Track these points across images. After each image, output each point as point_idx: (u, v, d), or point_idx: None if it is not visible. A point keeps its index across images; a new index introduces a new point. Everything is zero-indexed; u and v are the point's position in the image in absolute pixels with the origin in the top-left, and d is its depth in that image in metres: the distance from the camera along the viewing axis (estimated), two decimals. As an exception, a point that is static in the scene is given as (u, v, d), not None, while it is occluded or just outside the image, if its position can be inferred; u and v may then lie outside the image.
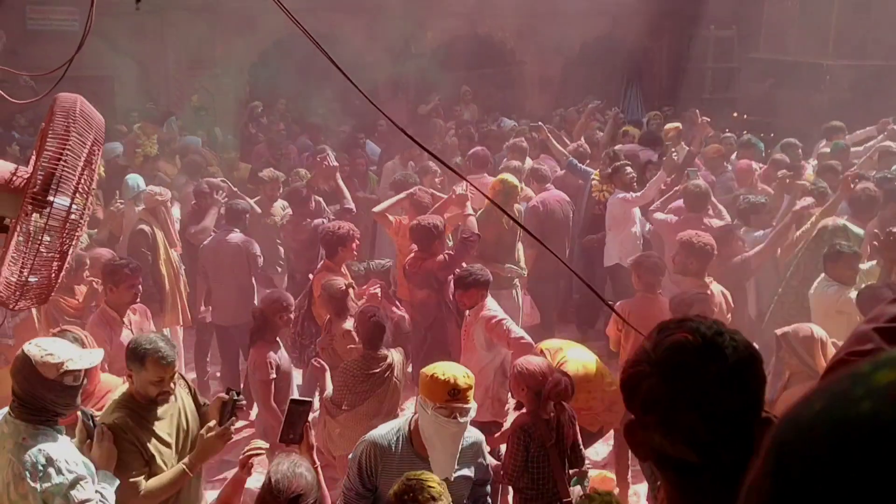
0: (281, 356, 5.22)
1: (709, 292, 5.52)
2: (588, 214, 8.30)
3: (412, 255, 6.19)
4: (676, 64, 16.95)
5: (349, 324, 5.39)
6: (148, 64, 12.76)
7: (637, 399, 1.31)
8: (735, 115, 14.02)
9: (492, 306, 5.34)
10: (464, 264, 5.82)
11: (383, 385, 4.87)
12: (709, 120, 9.77)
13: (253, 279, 7.09)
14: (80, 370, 3.11)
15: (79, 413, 3.42)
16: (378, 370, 4.85)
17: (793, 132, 10.96)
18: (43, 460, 2.97)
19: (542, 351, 4.98)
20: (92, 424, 3.43)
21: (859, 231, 6.18)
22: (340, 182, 7.78)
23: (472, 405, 3.46)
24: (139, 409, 3.50)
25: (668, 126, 10.71)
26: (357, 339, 5.11)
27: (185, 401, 3.72)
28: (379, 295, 5.89)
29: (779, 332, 4.41)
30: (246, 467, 3.32)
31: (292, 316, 5.42)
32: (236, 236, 6.99)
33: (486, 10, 14.85)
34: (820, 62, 14.06)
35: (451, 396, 3.35)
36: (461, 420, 3.40)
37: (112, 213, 7.10)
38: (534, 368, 4.20)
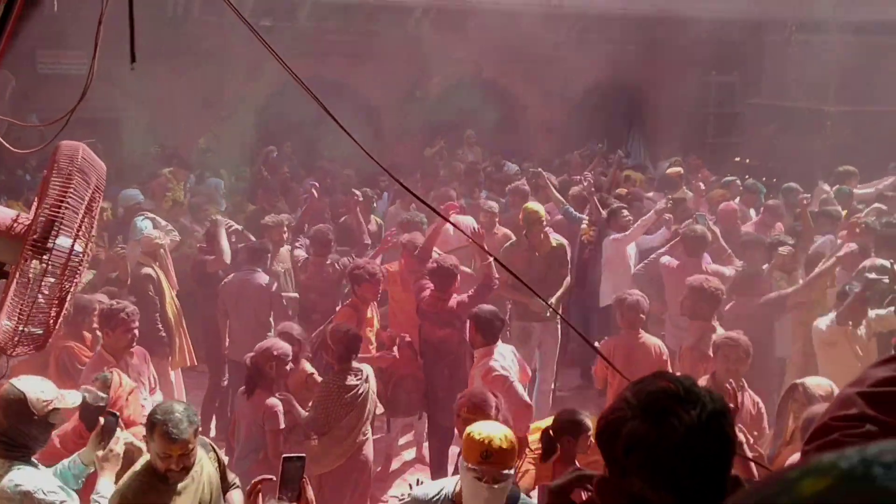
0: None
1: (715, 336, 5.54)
2: (579, 259, 8.34)
3: (429, 293, 6.20)
4: (679, 109, 17.09)
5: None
6: (156, 107, 12.94)
7: (619, 443, 1.34)
8: (737, 159, 14.10)
9: (499, 357, 5.34)
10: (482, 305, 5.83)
11: (361, 398, 4.92)
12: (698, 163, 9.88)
13: (271, 319, 7.02)
14: (64, 408, 3.17)
15: (100, 419, 3.42)
16: (356, 382, 4.93)
17: (795, 177, 11.04)
18: (19, 494, 2.99)
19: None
20: (113, 425, 3.43)
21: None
22: (360, 215, 7.98)
23: (510, 471, 3.22)
24: (157, 482, 3.31)
25: (670, 170, 10.80)
26: (330, 356, 5.17)
27: (211, 476, 3.53)
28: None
29: (797, 382, 4.33)
30: (254, 493, 3.21)
31: (288, 367, 5.20)
32: (260, 276, 7.05)
33: (491, 55, 15.06)
34: (821, 108, 14.19)
35: (483, 458, 3.15)
36: (495, 486, 3.15)
37: (112, 256, 7.09)
38: None
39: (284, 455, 3.28)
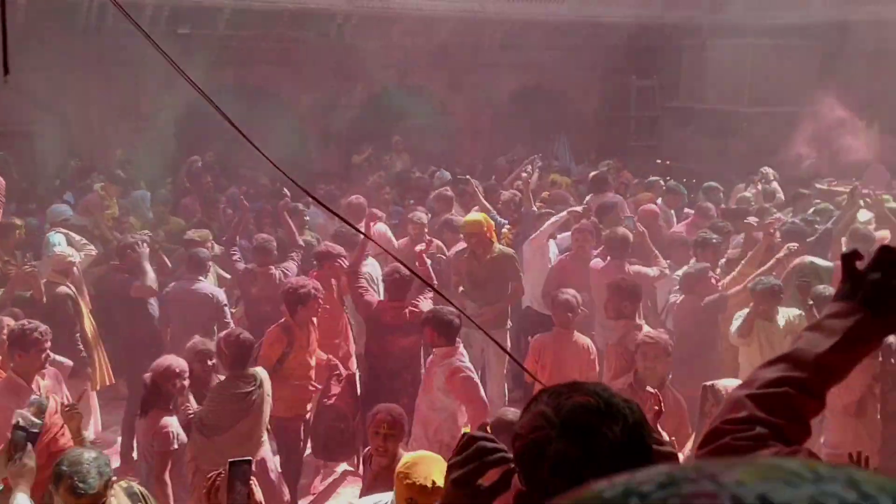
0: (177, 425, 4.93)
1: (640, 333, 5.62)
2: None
3: (385, 305, 6.14)
4: (601, 113, 17.44)
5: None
6: (71, 119, 12.50)
7: (544, 464, 1.29)
8: (658, 161, 14.42)
9: (463, 357, 5.32)
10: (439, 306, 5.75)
11: (255, 404, 4.85)
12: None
13: (216, 328, 6.74)
14: None
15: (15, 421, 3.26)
16: (249, 389, 4.85)
17: (713, 177, 11.36)
18: None
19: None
20: (23, 439, 3.25)
21: (828, 265, 6.35)
22: (291, 224, 7.84)
23: None
24: None
25: (593, 174, 10.97)
26: (222, 361, 5.09)
27: None
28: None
29: (706, 384, 4.41)
30: (213, 490, 3.06)
31: (186, 383, 4.98)
32: (204, 285, 6.89)
33: (416, 61, 15.07)
34: (736, 109, 14.63)
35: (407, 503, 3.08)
36: None
37: (21, 274, 6.62)
38: None
39: (230, 460, 3.17)
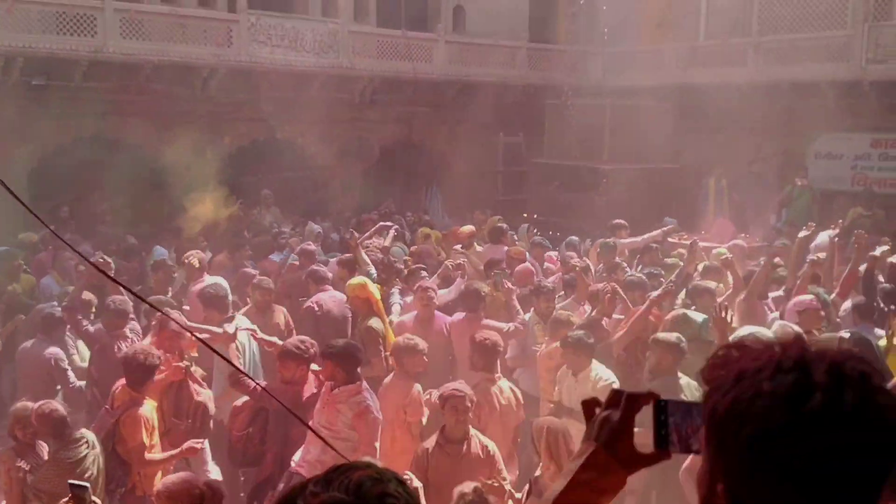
0: None
1: (494, 387, 5.65)
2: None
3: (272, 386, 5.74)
4: (472, 168, 17.85)
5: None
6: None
7: None
8: (525, 215, 14.84)
9: (370, 396, 5.15)
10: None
11: (88, 469, 4.61)
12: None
13: (60, 395, 6.30)
14: None
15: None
16: (81, 455, 4.60)
17: (577, 231, 11.80)
18: None
19: None
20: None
21: (696, 317, 6.49)
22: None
23: None
24: None
25: (462, 229, 11.15)
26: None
27: None
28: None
29: (534, 421, 4.53)
30: None
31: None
32: (49, 348, 6.56)
33: (285, 115, 15.01)
34: (597, 166, 15.30)
35: None
36: None
37: None
38: None
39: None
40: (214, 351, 3.45)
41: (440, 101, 16.60)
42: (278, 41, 14.52)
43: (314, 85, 15.18)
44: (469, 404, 4.78)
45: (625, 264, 8.61)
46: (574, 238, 10.85)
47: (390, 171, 16.51)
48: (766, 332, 5.29)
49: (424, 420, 5.66)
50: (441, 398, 4.86)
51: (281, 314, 7.40)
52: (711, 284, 7.05)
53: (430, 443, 4.83)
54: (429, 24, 17.40)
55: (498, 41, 17.22)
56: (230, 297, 7.24)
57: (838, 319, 6.59)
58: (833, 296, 6.85)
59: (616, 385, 5.34)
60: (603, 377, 5.58)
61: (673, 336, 5.55)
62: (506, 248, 9.66)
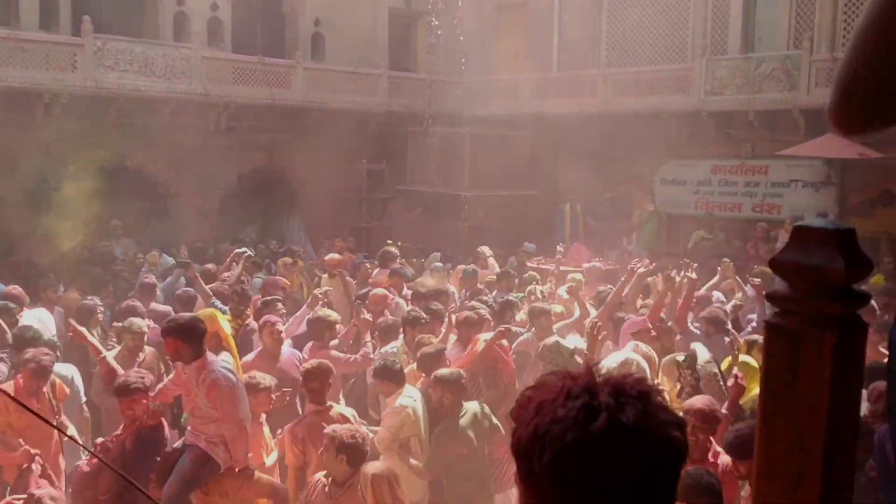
0: None
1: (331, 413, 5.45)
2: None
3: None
4: (334, 195, 17.70)
5: None
6: None
7: None
8: (389, 241, 14.83)
9: (217, 366, 4.88)
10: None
11: None
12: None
13: None
14: None
15: None
16: None
17: (440, 256, 11.91)
18: None
19: None
20: None
21: (568, 345, 6.53)
22: None
23: None
24: None
25: (328, 257, 11.02)
26: None
27: None
28: None
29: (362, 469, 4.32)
30: None
31: None
32: None
33: (135, 143, 14.39)
34: (458, 193, 15.54)
35: None
36: None
37: None
38: None
39: None
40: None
41: (301, 127, 16.38)
42: (127, 66, 13.92)
43: (165, 111, 14.64)
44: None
45: (484, 289, 8.73)
46: (439, 264, 10.90)
47: (250, 200, 16.10)
48: (629, 355, 5.47)
49: (270, 461, 5.43)
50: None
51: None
52: (556, 307, 7.25)
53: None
54: (286, 50, 17.19)
55: (358, 69, 17.22)
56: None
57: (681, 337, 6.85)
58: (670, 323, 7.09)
59: (409, 411, 5.22)
60: (401, 402, 5.32)
61: (455, 373, 5.38)
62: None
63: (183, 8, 15.75)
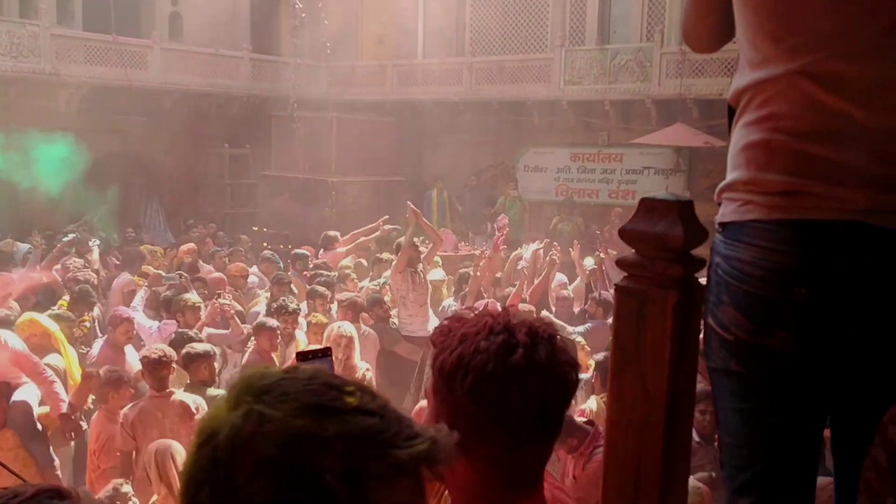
0: None
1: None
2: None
3: None
4: (196, 180, 17.15)
5: None
6: None
7: None
8: (255, 228, 14.55)
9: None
10: None
11: None
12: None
13: None
14: None
15: None
16: None
17: (306, 242, 11.78)
18: None
19: None
20: None
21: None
22: None
23: None
24: None
25: (183, 248, 10.70)
26: None
27: None
28: None
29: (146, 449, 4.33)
30: None
31: None
32: None
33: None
34: (325, 179, 15.41)
35: None
36: None
37: None
38: None
39: None
40: None
41: (158, 110, 15.74)
42: (-34, 42, 12.95)
43: (11, 92, 13.73)
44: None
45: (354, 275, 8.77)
46: (302, 251, 10.76)
47: (104, 185, 15.33)
48: None
49: None
50: None
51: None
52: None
53: None
54: (142, 30, 16.45)
55: (219, 50, 16.71)
56: None
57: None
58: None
59: None
60: None
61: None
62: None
63: (29, -18, 14.79)
